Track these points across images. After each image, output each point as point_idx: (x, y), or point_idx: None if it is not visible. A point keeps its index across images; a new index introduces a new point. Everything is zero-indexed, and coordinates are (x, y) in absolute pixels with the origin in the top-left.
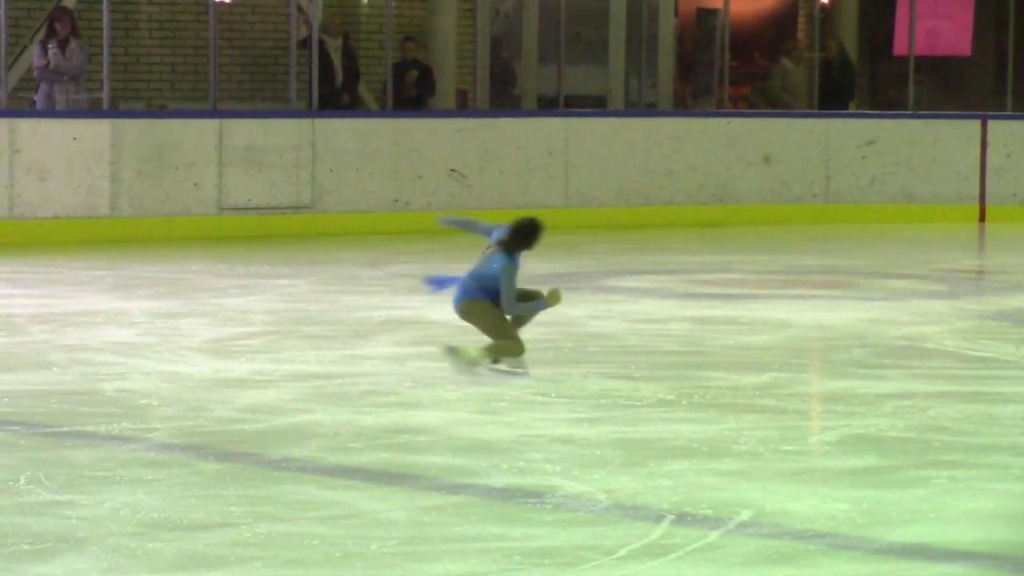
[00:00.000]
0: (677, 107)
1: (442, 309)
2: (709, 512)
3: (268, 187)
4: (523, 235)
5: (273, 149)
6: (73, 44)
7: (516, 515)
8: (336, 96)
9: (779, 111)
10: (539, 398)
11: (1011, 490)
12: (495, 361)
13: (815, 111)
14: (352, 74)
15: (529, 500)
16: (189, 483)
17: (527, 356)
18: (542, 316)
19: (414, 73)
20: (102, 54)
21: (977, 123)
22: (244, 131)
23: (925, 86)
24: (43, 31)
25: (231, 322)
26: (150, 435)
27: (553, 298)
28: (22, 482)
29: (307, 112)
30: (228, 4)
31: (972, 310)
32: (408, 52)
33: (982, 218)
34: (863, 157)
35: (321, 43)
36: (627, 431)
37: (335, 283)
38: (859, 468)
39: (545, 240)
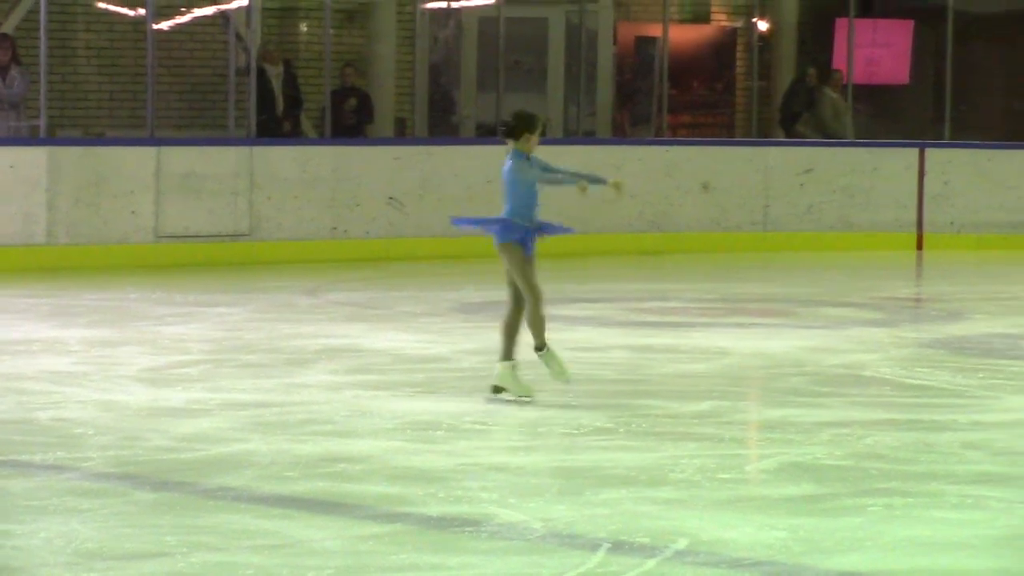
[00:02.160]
0: (616, 135)
1: (379, 337)
2: (646, 540)
3: (206, 215)
4: (516, 124)
5: (211, 177)
6: (14, 71)
7: (452, 544)
8: (276, 124)
9: (717, 139)
10: (476, 426)
11: (947, 518)
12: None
13: (753, 139)
14: (293, 102)
15: (465, 529)
16: (124, 513)
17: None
18: (478, 344)
19: (353, 101)
20: (39, 81)
21: (915, 151)
22: (182, 159)
23: (863, 114)
24: None
25: (168, 350)
26: (85, 464)
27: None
28: None
29: (246, 140)
30: (166, 31)
31: (909, 338)
32: (347, 79)
33: (920, 246)
34: (801, 185)
35: (261, 71)
36: (564, 459)
37: (273, 311)
38: (796, 496)
39: (481, 268)
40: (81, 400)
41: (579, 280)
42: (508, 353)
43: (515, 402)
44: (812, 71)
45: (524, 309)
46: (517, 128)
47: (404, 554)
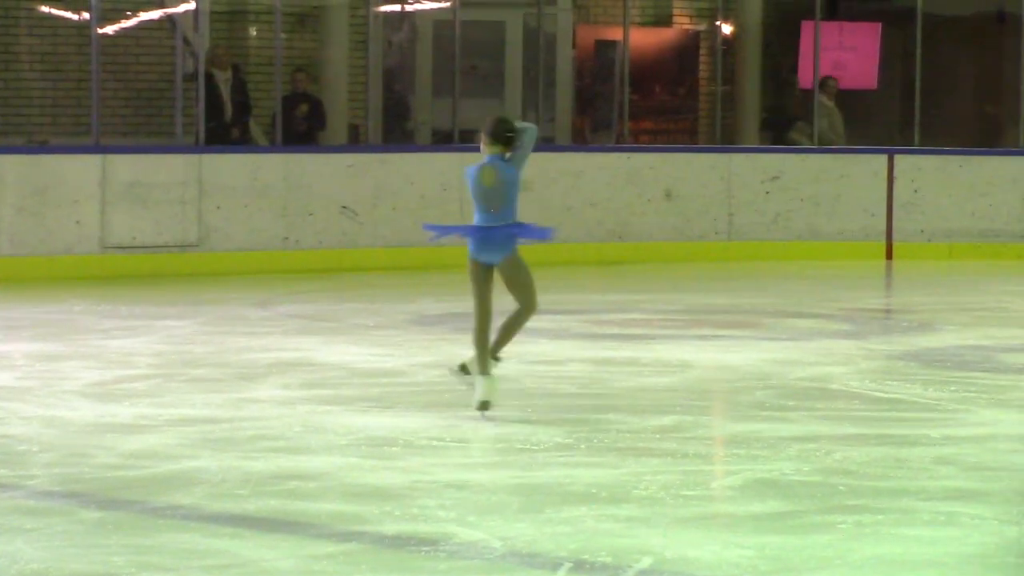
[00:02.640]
0: (576, 141)
1: (333, 350)
2: (608, 559)
3: (153, 225)
4: (493, 132)
5: (159, 185)
6: None
7: (409, 563)
8: (225, 130)
9: (680, 145)
10: (433, 442)
11: (919, 535)
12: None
13: (717, 145)
14: (242, 108)
15: (423, 548)
16: (70, 532)
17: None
18: (435, 358)
19: (304, 107)
20: None
21: (884, 157)
22: (128, 167)
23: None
24: None
25: (115, 365)
26: (29, 482)
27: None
28: None
29: (194, 147)
30: (112, 35)
31: (879, 350)
32: (298, 84)
33: (889, 255)
34: (767, 193)
35: (209, 76)
36: (524, 476)
37: (222, 324)
38: (763, 513)
39: (437, 279)
40: (25, 416)
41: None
42: (485, 366)
43: (476, 417)
44: (832, 81)
45: (522, 315)
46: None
47: (359, 574)
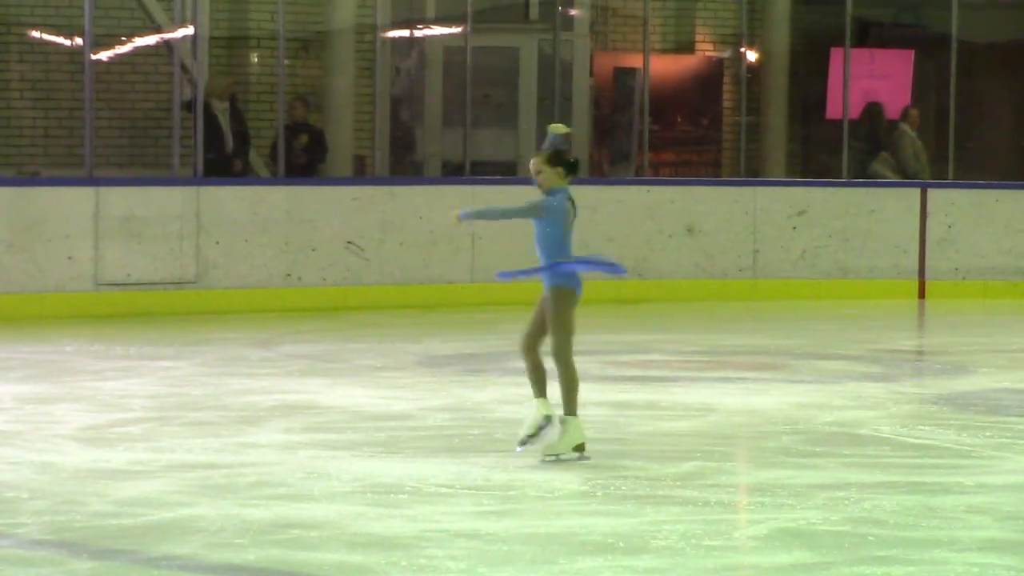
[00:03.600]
0: (593, 174)
1: (337, 392)
2: None
3: (149, 261)
4: (566, 164)
5: (155, 220)
6: None
7: None
8: (226, 162)
9: (702, 178)
10: (442, 489)
11: None
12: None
13: (741, 178)
14: (242, 138)
15: None
16: None
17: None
18: (444, 400)
19: (304, 138)
20: None
21: (916, 191)
22: (123, 200)
23: (860, 152)
24: None
25: (108, 408)
26: (19, 531)
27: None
28: None
29: (192, 179)
30: (106, 62)
31: (910, 394)
32: (296, 114)
33: (922, 294)
34: (794, 228)
35: (207, 105)
36: (538, 525)
37: (221, 365)
38: (788, 565)
39: (447, 318)
40: (14, 461)
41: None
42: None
43: (487, 464)
44: (914, 112)
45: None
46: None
47: None
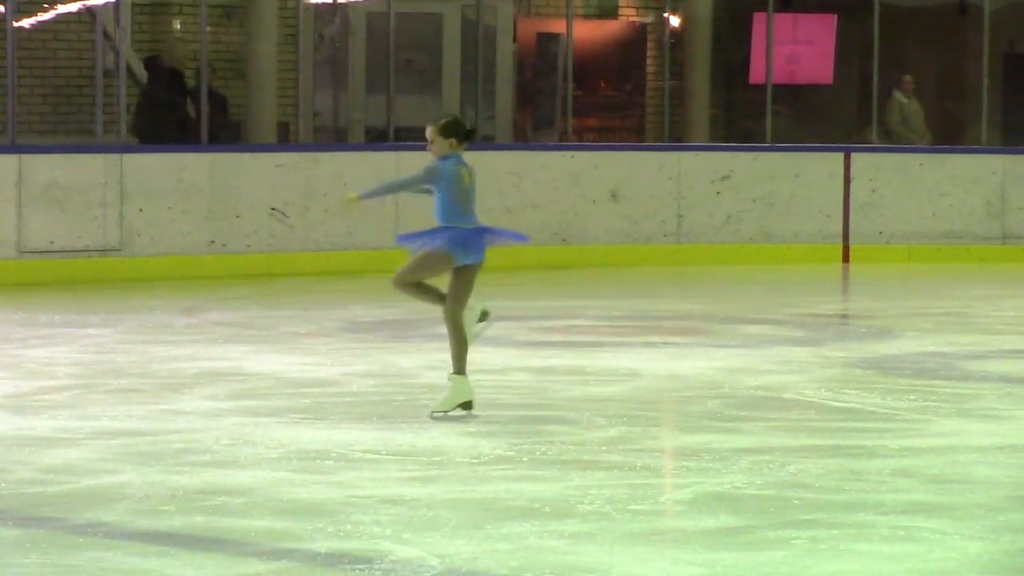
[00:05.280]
0: (517, 139)
1: (263, 359)
2: None
3: (72, 228)
4: (457, 131)
5: (78, 187)
6: None
7: None
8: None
9: (626, 144)
10: (368, 456)
11: (877, 551)
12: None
13: (665, 143)
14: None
15: (357, 566)
16: None
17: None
18: (370, 367)
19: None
20: None
21: (840, 156)
22: (46, 167)
23: (784, 116)
24: None
25: (33, 375)
26: None
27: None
28: None
29: (114, 147)
30: (28, 29)
31: (835, 358)
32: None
33: (846, 258)
34: (718, 193)
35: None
36: (463, 490)
37: (146, 332)
38: (713, 529)
39: (372, 284)
40: None
41: (477, 297)
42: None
43: (413, 429)
44: (908, 77)
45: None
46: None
47: None
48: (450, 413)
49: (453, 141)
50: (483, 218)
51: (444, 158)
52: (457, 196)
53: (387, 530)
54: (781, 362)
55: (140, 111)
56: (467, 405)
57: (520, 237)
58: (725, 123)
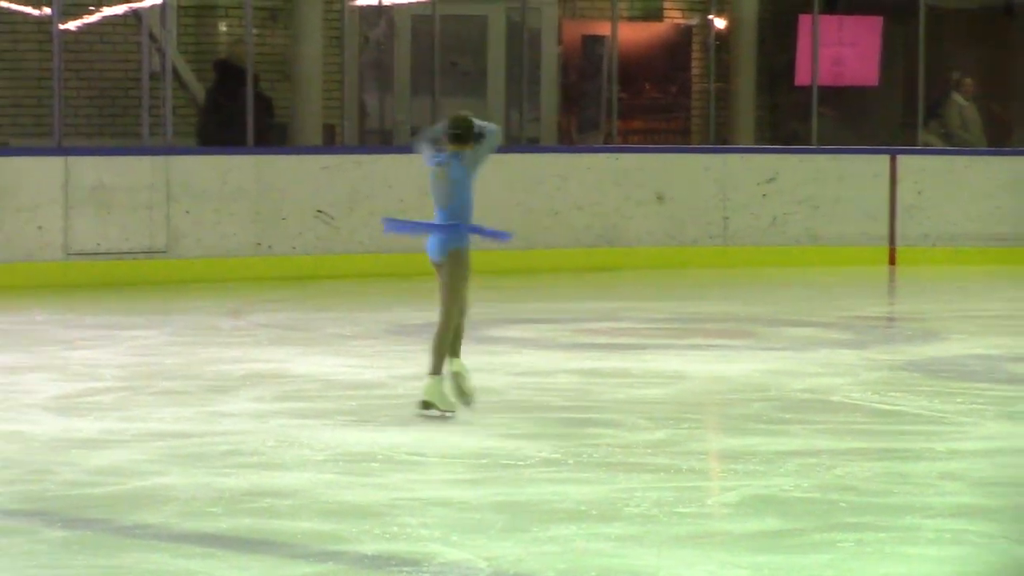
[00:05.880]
0: (562, 142)
1: (308, 361)
2: None
3: (119, 230)
4: (470, 133)
5: (124, 189)
6: None
7: None
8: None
9: (671, 146)
10: (414, 458)
11: (923, 554)
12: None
13: (711, 146)
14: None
15: (404, 568)
16: (34, 552)
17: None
18: (415, 369)
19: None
20: None
21: (886, 158)
22: (92, 170)
23: (829, 119)
24: None
25: (79, 377)
26: None
27: None
28: None
29: (161, 149)
30: (74, 32)
31: (881, 360)
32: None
33: (892, 261)
34: (763, 195)
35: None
36: (510, 493)
37: (192, 334)
38: (760, 531)
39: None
40: None
41: (522, 299)
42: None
43: (460, 432)
44: (968, 80)
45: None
46: (472, 136)
47: None
48: (430, 412)
49: (443, 138)
50: (528, 220)
51: (444, 156)
52: (434, 195)
53: (435, 532)
54: (827, 364)
55: (206, 113)
56: (427, 405)
57: (502, 236)
58: (770, 125)
